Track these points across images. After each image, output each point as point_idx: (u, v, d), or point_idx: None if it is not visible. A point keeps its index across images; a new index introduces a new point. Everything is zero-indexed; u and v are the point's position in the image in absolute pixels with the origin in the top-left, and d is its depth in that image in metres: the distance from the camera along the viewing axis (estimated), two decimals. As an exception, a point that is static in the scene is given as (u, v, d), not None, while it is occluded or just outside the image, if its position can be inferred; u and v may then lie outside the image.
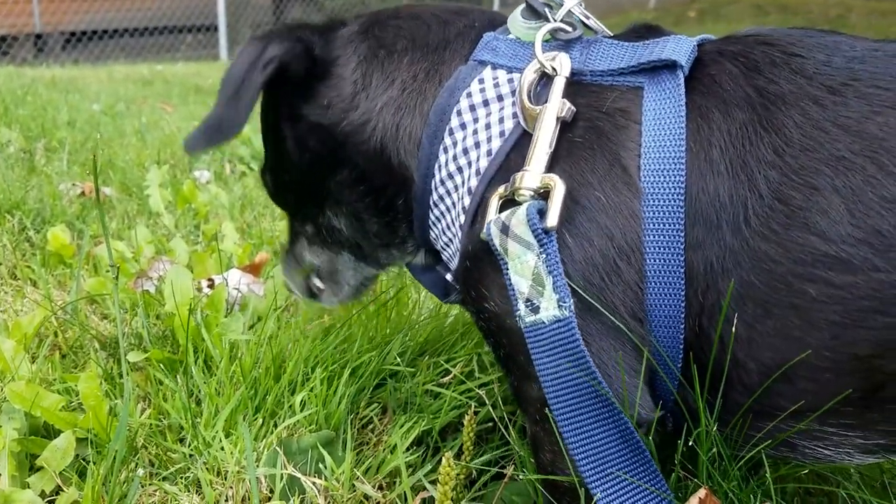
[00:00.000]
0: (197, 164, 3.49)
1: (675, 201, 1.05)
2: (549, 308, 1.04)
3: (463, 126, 1.20)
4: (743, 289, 1.02)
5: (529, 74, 1.17)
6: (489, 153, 1.17)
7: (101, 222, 1.63)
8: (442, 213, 1.26)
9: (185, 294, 1.73)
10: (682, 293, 1.05)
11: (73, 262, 2.25)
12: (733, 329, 1.03)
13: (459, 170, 1.21)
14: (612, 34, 1.25)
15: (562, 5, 1.23)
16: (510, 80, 1.20)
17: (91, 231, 2.47)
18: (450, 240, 1.27)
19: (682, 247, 1.04)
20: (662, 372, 1.10)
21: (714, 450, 1.14)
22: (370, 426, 1.56)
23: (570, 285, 1.05)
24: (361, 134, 1.28)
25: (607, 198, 1.07)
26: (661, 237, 1.05)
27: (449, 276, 1.37)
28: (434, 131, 1.23)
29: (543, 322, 1.05)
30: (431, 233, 1.32)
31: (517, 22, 1.26)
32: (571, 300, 1.04)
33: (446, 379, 1.62)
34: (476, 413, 1.37)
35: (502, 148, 1.16)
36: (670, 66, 1.12)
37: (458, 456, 1.39)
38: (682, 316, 1.06)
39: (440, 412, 1.50)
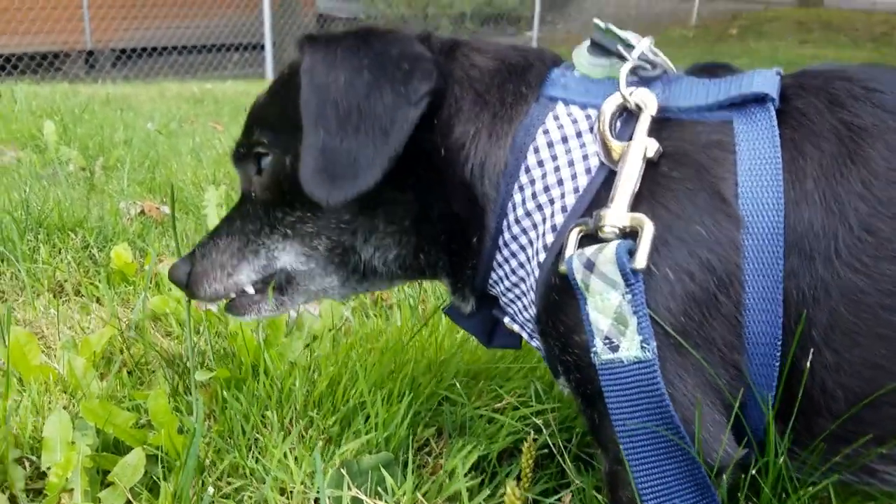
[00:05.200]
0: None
1: (775, 229, 1.05)
2: (631, 349, 1.04)
3: (541, 163, 1.18)
4: (832, 318, 1.03)
5: (609, 109, 1.15)
6: (576, 190, 1.15)
7: (175, 244, 1.69)
8: (512, 253, 1.23)
9: (249, 315, 1.78)
10: (780, 322, 1.05)
11: (135, 280, 2.32)
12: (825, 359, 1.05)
13: (539, 207, 1.18)
14: (678, 72, 1.24)
15: (630, 45, 1.21)
16: (588, 117, 1.19)
17: (153, 249, 2.54)
18: (520, 279, 1.24)
19: (781, 275, 1.05)
20: (756, 402, 1.10)
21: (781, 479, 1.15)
22: (426, 448, 1.59)
23: (659, 324, 1.05)
24: (456, 162, 1.22)
25: (708, 231, 1.06)
26: (762, 266, 1.05)
27: (507, 320, 1.34)
28: (511, 170, 1.20)
29: (622, 361, 1.05)
30: (494, 274, 1.27)
31: (583, 58, 1.24)
32: (654, 343, 1.04)
33: (500, 404, 1.65)
34: (535, 440, 1.39)
35: (591, 185, 1.14)
36: (759, 100, 1.12)
37: (516, 483, 1.41)
38: (779, 344, 1.06)
39: (497, 437, 1.52)
